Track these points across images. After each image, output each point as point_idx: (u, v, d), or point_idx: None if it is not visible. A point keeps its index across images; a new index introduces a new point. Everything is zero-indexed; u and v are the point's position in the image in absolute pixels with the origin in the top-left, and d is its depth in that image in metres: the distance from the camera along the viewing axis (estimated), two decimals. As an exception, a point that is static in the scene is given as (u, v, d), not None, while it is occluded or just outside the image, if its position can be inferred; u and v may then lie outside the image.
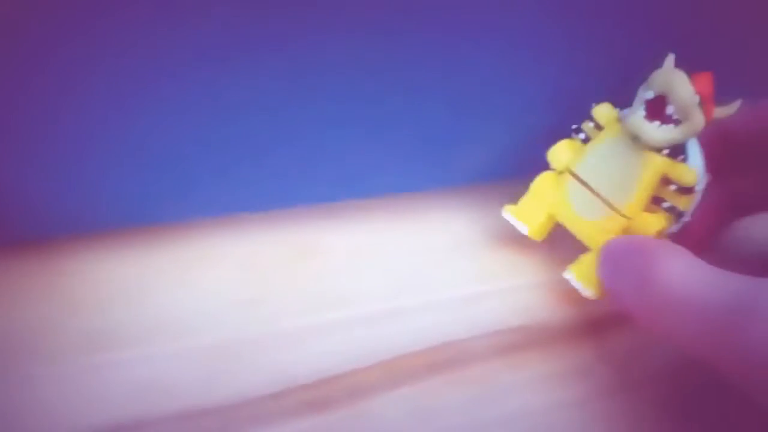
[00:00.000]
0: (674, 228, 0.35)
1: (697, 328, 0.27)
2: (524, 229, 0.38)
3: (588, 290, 0.35)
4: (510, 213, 0.38)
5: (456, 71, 0.37)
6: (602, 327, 0.36)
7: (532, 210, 0.38)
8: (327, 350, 0.33)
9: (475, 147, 0.40)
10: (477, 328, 0.35)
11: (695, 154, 0.34)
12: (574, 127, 0.37)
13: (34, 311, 0.33)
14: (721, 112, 0.34)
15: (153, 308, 0.34)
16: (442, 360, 0.34)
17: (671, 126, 0.33)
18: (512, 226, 0.38)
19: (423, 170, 0.40)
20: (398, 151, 0.39)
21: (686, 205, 0.34)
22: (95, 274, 0.35)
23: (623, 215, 0.35)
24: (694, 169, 0.34)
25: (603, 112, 0.36)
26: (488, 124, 0.39)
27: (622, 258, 0.32)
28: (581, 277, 0.35)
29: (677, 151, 0.34)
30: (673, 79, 0.33)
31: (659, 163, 0.34)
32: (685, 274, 0.29)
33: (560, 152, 0.37)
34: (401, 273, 0.37)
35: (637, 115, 0.34)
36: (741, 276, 0.28)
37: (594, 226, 0.36)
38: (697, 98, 0.33)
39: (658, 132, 0.34)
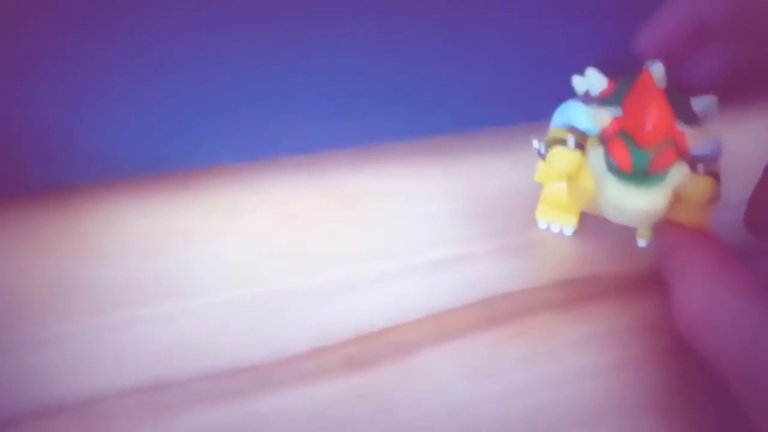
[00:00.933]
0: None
1: (718, 357, 0.26)
2: (567, 230, 0.34)
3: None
4: (543, 217, 0.34)
5: (499, 10, 0.34)
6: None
7: (556, 203, 0.34)
8: (371, 303, 0.31)
9: (519, 86, 0.37)
10: (534, 279, 0.32)
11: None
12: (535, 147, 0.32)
13: (59, 265, 0.31)
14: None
15: (185, 261, 0.32)
16: (497, 314, 0.31)
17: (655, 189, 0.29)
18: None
19: (465, 111, 0.37)
20: (438, 91, 0.36)
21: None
22: (123, 224, 0.33)
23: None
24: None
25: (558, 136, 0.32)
26: (533, 64, 0.36)
27: (675, 251, 0.29)
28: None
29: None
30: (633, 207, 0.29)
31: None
32: (731, 299, 0.26)
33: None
34: (446, 221, 0.34)
35: (609, 179, 0.29)
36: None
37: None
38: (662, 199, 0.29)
39: (645, 198, 0.29)
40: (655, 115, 0.28)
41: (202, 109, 0.32)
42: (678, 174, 0.29)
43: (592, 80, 0.32)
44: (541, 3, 0.35)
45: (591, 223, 0.34)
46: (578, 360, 0.30)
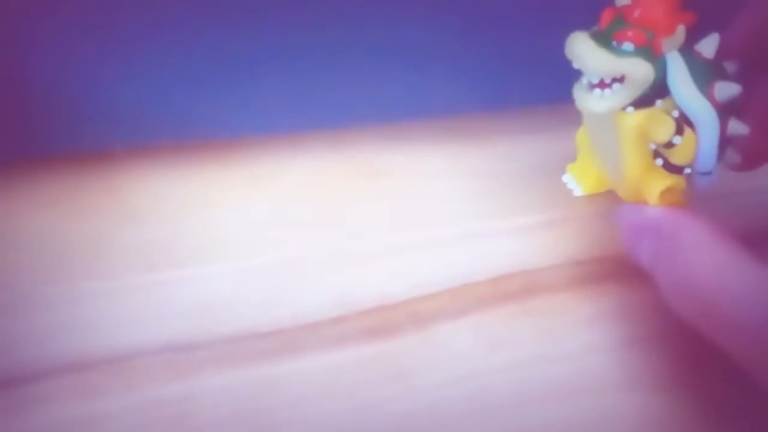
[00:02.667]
0: (703, 180, 0.30)
1: (731, 335, 0.25)
2: (578, 191, 0.34)
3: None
4: (569, 172, 0.35)
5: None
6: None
7: (584, 168, 0.34)
8: (391, 275, 0.32)
9: (545, 67, 0.37)
10: (550, 257, 0.33)
11: (681, 84, 0.29)
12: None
13: (92, 224, 0.32)
14: (670, 44, 0.29)
15: (213, 225, 0.33)
16: (512, 289, 0.32)
17: (615, 87, 0.28)
18: None
19: (491, 90, 0.38)
20: (464, 70, 0.36)
21: (682, 157, 0.29)
22: (155, 189, 0.34)
23: (627, 177, 0.31)
24: (668, 120, 0.29)
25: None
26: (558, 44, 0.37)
27: (644, 236, 0.29)
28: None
29: (655, 95, 0.29)
30: (575, 52, 0.28)
31: (629, 122, 0.29)
32: (719, 275, 0.26)
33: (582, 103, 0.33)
34: (468, 197, 0.35)
35: (579, 86, 0.30)
36: None
37: (617, 185, 0.32)
38: (609, 62, 0.28)
39: (601, 102, 0.29)
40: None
41: (237, 82, 0.33)
42: (638, 71, 0.28)
43: None
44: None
45: (605, 205, 0.35)
46: (587, 336, 0.31)
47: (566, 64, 0.37)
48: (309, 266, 0.32)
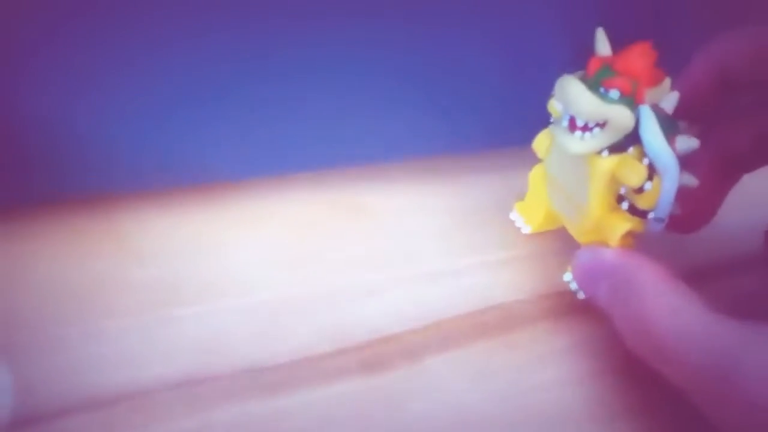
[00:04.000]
0: (656, 225, 0.32)
1: (685, 377, 0.27)
2: (526, 229, 0.37)
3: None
4: (516, 210, 0.37)
5: (498, 40, 0.37)
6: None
7: (533, 206, 0.36)
8: (380, 310, 0.34)
9: (515, 110, 0.40)
10: (523, 291, 0.36)
11: (652, 134, 0.31)
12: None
13: (102, 266, 0.34)
14: (654, 95, 0.31)
15: (213, 265, 0.35)
16: (487, 324, 0.35)
17: (595, 131, 0.31)
18: None
19: (463, 133, 0.41)
20: (437, 114, 0.39)
21: (647, 202, 0.31)
22: (158, 231, 0.36)
23: (590, 216, 0.33)
24: (641, 167, 0.31)
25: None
26: (533, 87, 0.39)
27: (600, 279, 0.30)
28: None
29: (628, 142, 0.31)
30: (567, 94, 0.30)
31: (603, 166, 0.31)
32: (673, 321, 0.27)
33: (541, 142, 0.35)
34: (446, 234, 0.38)
35: (560, 126, 0.32)
36: (727, 323, 0.26)
37: (573, 226, 0.35)
38: (598, 107, 0.30)
39: (581, 144, 0.31)
40: (637, 51, 0.31)
41: (233, 129, 0.35)
42: (621, 119, 0.30)
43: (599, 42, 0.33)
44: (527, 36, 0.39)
45: (559, 244, 0.38)
46: (560, 367, 0.34)
47: (524, 111, 0.40)
48: (305, 302, 0.34)
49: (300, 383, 0.31)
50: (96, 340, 0.31)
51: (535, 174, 0.36)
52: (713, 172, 0.33)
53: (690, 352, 0.26)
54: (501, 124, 0.41)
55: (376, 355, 0.33)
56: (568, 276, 0.34)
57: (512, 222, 0.39)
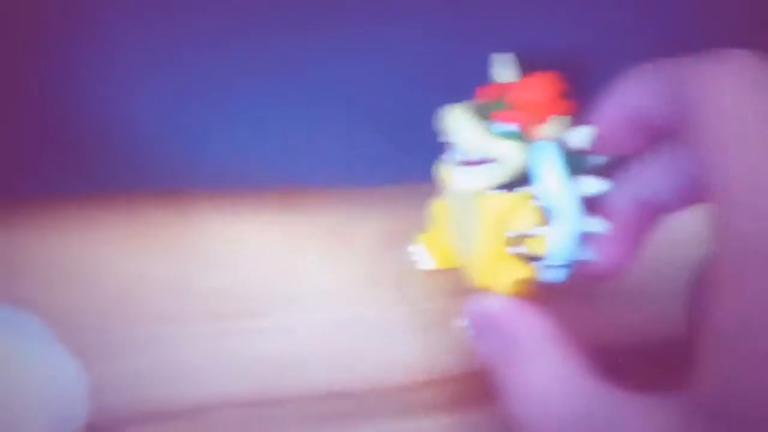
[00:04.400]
0: (553, 274, 0.29)
1: None
2: (430, 264, 0.33)
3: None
4: (420, 243, 0.33)
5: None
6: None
7: (436, 240, 0.33)
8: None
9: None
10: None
11: (547, 174, 0.27)
12: None
13: (167, 266, 0.32)
14: (555, 130, 0.28)
15: (288, 276, 0.32)
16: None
17: (484, 167, 0.28)
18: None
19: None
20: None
21: (539, 248, 0.28)
22: (234, 235, 0.33)
23: (479, 259, 0.30)
24: (531, 209, 0.28)
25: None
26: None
27: (489, 333, 0.28)
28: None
29: (522, 181, 0.28)
30: (451, 126, 0.28)
31: (490, 205, 0.28)
32: (545, 389, 0.26)
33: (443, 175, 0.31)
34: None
35: (449, 160, 0.29)
36: (599, 392, 0.25)
37: (467, 263, 0.31)
38: (483, 142, 0.27)
39: (467, 179, 0.28)
40: (536, 81, 0.28)
41: (324, 136, 0.32)
42: (510, 156, 0.27)
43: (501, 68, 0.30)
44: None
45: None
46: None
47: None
48: (386, 325, 0.31)
49: (378, 414, 0.29)
50: (158, 347, 0.29)
51: (437, 206, 0.32)
52: (630, 215, 0.29)
53: (562, 420, 0.25)
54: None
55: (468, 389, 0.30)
56: (459, 323, 0.31)
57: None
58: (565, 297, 0.29)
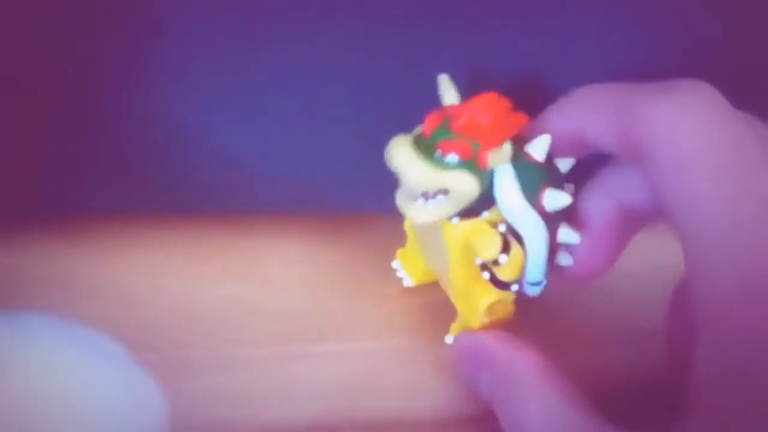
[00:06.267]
0: (533, 290, 0.28)
1: None
2: (408, 281, 0.32)
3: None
4: (398, 259, 0.33)
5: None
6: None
7: (413, 256, 0.32)
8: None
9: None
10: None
11: (508, 196, 0.27)
12: None
13: (232, 287, 0.32)
14: (496, 158, 0.26)
15: (352, 300, 0.32)
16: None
17: (439, 198, 0.26)
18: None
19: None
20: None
21: (508, 274, 0.27)
22: (295, 257, 0.33)
23: (452, 285, 0.29)
24: (492, 238, 0.26)
25: None
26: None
27: (482, 368, 0.28)
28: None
29: (482, 206, 0.27)
30: (396, 161, 0.26)
31: (454, 234, 0.27)
32: (543, 428, 0.25)
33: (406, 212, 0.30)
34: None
35: (403, 192, 0.27)
36: (596, 429, 0.24)
37: (444, 285, 0.30)
38: (431, 176, 0.26)
39: (423, 212, 0.27)
40: (480, 103, 0.26)
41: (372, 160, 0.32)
42: (461, 186, 0.26)
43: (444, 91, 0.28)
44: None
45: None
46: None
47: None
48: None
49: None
50: (222, 370, 0.29)
51: (409, 222, 0.32)
52: (608, 223, 0.28)
53: None
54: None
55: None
56: (450, 339, 0.30)
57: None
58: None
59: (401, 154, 0.26)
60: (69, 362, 0.25)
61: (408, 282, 0.33)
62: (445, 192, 0.26)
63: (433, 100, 0.28)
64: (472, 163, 0.26)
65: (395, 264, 0.33)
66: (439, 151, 0.26)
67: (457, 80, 0.28)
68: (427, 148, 0.26)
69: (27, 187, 0.32)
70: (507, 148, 0.27)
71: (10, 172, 0.31)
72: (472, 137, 0.26)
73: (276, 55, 0.30)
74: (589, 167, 0.29)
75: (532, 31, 0.31)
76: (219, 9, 0.29)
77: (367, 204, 0.33)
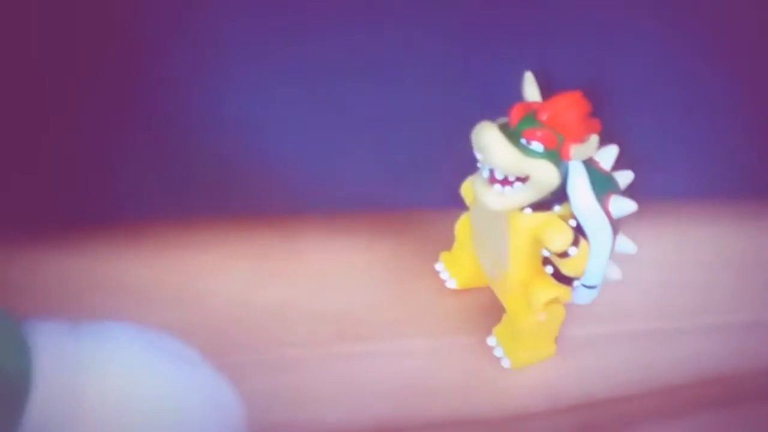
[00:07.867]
0: (586, 295, 0.29)
1: None
2: (452, 283, 0.32)
3: (506, 359, 0.30)
4: (442, 262, 0.33)
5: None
6: None
7: (459, 258, 0.32)
8: (591, 371, 0.31)
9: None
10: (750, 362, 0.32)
11: (580, 193, 0.27)
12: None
13: (281, 288, 0.31)
14: (584, 150, 0.27)
15: (403, 297, 0.32)
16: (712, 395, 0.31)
17: (516, 186, 0.26)
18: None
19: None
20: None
21: (573, 269, 0.27)
22: (342, 256, 0.33)
23: (510, 279, 0.29)
24: (565, 229, 0.27)
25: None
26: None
27: None
28: (501, 340, 0.30)
29: (555, 200, 0.27)
30: (483, 143, 0.26)
31: (523, 224, 0.27)
32: None
33: (469, 188, 0.30)
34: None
35: (478, 177, 0.27)
36: None
37: (496, 283, 0.30)
38: (517, 160, 0.26)
39: (500, 199, 0.27)
40: (565, 100, 0.27)
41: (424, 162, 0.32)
42: (543, 175, 0.26)
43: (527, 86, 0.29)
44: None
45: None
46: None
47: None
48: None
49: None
50: (276, 370, 0.29)
51: (462, 223, 0.32)
52: None
53: None
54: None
55: (591, 417, 0.29)
56: (492, 340, 0.30)
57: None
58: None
59: (489, 136, 0.26)
60: (151, 368, 0.24)
61: (451, 284, 0.32)
62: (525, 180, 0.26)
63: (485, 103, 0.28)
64: (555, 154, 0.26)
65: (438, 266, 0.33)
66: (524, 139, 0.26)
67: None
68: (513, 135, 0.26)
69: (87, 195, 0.32)
70: (594, 141, 0.27)
71: (70, 180, 0.31)
72: (557, 130, 0.27)
73: (324, 61, 0.30)
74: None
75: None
76: (269, 16, 0.29)
77: (416, 201, 0.33)
